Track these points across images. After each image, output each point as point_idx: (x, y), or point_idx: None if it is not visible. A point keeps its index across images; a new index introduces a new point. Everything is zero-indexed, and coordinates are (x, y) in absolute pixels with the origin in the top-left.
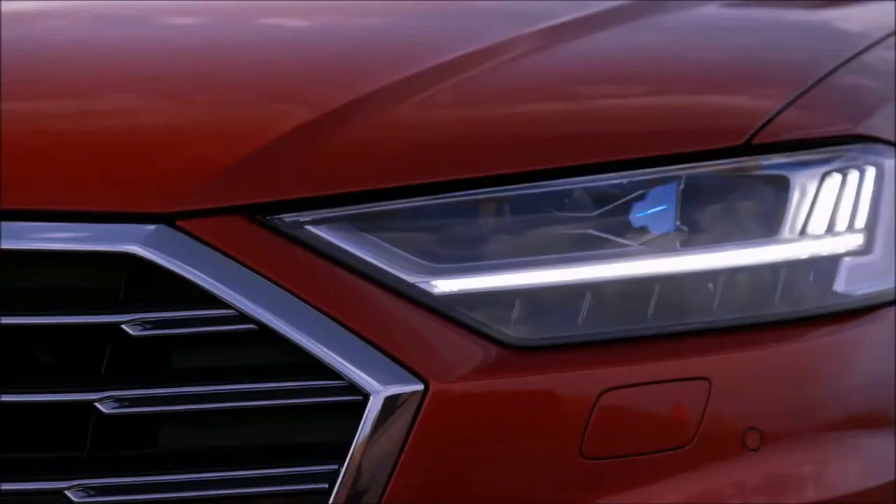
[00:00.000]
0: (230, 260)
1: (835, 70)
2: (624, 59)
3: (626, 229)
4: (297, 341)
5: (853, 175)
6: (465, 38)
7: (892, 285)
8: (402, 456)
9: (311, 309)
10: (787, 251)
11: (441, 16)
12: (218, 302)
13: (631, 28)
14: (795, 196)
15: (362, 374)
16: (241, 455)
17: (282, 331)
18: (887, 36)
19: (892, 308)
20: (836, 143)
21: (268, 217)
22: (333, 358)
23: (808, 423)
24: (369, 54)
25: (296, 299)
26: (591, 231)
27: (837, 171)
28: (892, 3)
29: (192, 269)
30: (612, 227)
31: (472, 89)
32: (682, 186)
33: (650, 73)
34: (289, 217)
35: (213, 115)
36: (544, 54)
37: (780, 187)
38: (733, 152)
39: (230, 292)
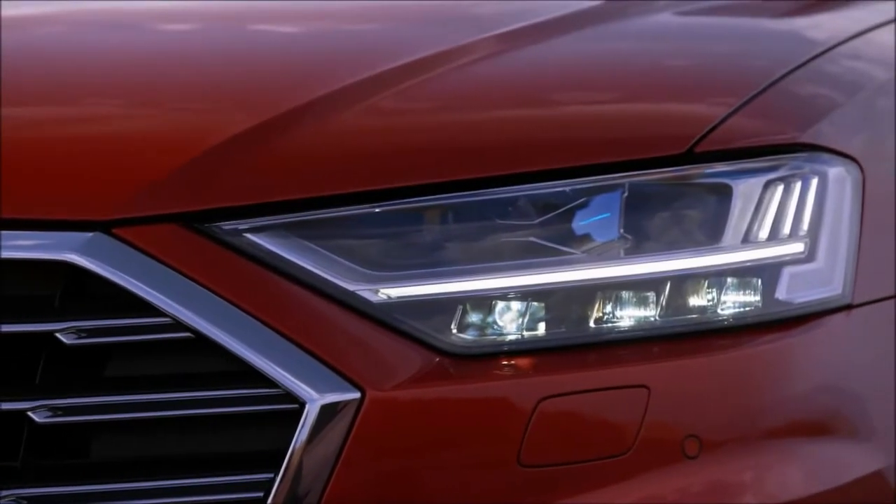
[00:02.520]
0: (167, 268)
1: (783, 78)
2: (571, 66)
3: (568, 237)
4: (233, 349)
5: (796, 183)
6: (413, 44)
7: (836, 293)
8: (339, 464)
9: (247, 317)
10: (729, 259)
11: (391, 22)
12: (154, 310)
13: (581, 36)
14: (738, 204)
15: (298, 383)
16: (176, 464)
17: (217, 339)
18: (841, 43)
19: (835, 315)
20: (781, 152)
21: (206, 225)
22: (269, 366)
23: (749, 431)
24: (316, 61)
25: (232, 307)
26: (533, 239)
27: (781, 179)
28: (856, 10)
29: (127, 278)
30: (554, 234)
31: (416, 96)
32: (625, 194)
33: (597, 81)
34: (227, 225)
35: (152, 122)
36: (491, 61)
37: (723, 195)
38: (676, 160)
39: (166, 300)
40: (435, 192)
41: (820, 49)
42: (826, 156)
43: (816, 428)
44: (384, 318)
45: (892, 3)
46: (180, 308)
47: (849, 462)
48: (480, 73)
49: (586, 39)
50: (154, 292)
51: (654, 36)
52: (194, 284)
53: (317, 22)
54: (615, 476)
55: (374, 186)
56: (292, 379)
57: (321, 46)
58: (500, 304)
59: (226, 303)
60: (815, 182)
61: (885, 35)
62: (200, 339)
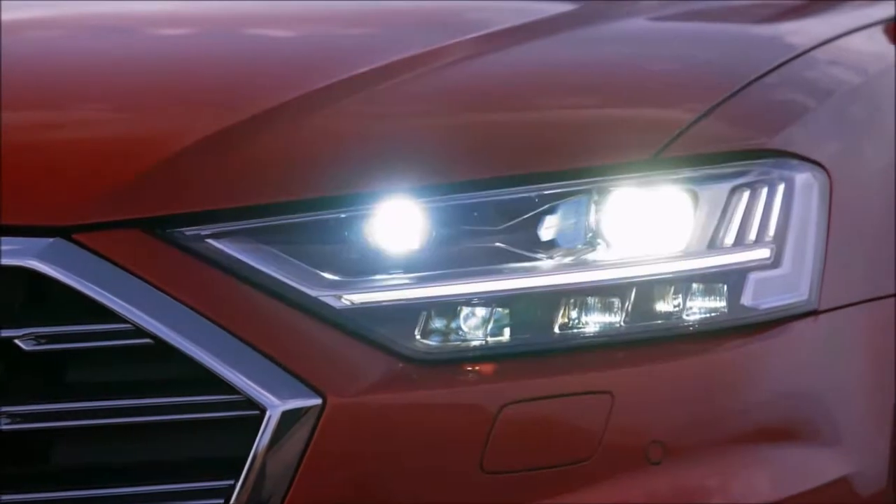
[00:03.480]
0: (127, 274)
1: (752, 83)
2: (542, 72)
3: (534, 243)
4: (194, 356)
5: (763, 189)
6: (382, 49)
7: (802, 299)
8: (300, 471)
9: (208, 323)
10: (695, 265)
11: (365, 24)
12: (114, 316)
13: (554, 41)
14: (704, 210)
15: (259, 389)
16: (136, 471)
17: (178, 345)
18: (813, 48)
19: (801, 321)
20: (748, 158)
21: (168, 230)
22: (230, 373)
23: (714, 436)
24: (286, 65)
25: (193, 313)
26: (499, 245)
27: (747, 185)
28: (834, 15)
29: (88, 283)
30: (520, 240)
31: (385, 101)
32: (592, 200)
33: (567, 87)
34: (189, 230)
35: (115, 127)
36: (462, 66)
37: (689, 201)
38: (643, 166)
39: (126, 306)
40: (400, 197)
41: (791, 54)
42: (793, 161)
43: (782, 433)
44: (347, 325)
45: (872, 9)
46: (141, 314)
47: (815, 468)
48: (451, 78)
49: (558, 45)
50: (114, 298)
51: (626, 41)
52: (155, 290)
53: (290, 25)
54: (578, 482)
55: (338, 192)
56: (253, 385)
57: (293, 50)
58: (465, 310)
59: (187, 309)
60: (781, 188)
61: (858, 40)
62: (161, 346)
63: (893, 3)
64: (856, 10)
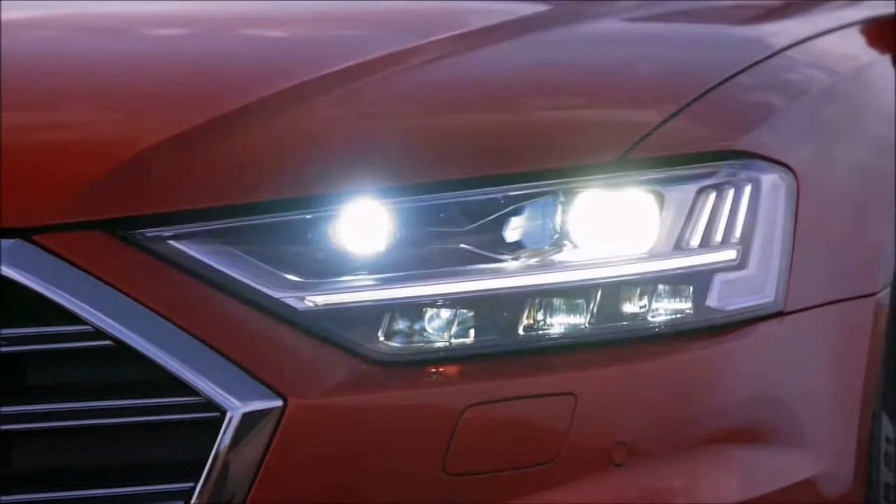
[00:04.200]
0: (88, 275)
1: (721, 84)
2: (511, 72)
3: (500, 244)
4: (154, 358)
5: (729, 191)
6: (350, 50)
7: (768, 300)
8: (260, 473)
9: (169, 325)
10: (661, 266)
11: (329, 27)
12: (74, 318)
13: (522, 42)
14: (670, 211)
15: (219, 391)
16: (96, 474)
17: (138, 347)
18: (784, 49)
19: (767, 323)
20: (715, 159)
21: (129, 232)
22: (191, 375)
23: (679, 438)
24: (253, 65)
25: (154, 315)
26: (464, 246)
27: (714, 186)
28: (811, 16)
29: (47, 285)
30: (485, 242)
31: (350, 102)
32: (558, 201)
33: (536, 87)
34: (151, 232)
35: (77, 129)
36: (428, 68)
37: (655, 202)
38: (609, 167)
39: (86, 308)
40: (364, 198)
41: (762, 55)
42: (760, 163)
43: (748, 435)
44: (310, 326)
45: (848, 11)
46: (101, 316)
47: (781, 469)
48: (418, 79)
49: (528, 45)
50: (74, 300)
51: (598, 42)
52: (116, 292)
53: (256, 26)
54: (541, 484)
55: (303, 193)
56: (213, 387)
57: (258, 50)
58: (429, 312)
59: (148, 311)
60: (748, 189)
61: (831, 41)
62: (122, 348)
63: (870, 4)
64: (832, 12)
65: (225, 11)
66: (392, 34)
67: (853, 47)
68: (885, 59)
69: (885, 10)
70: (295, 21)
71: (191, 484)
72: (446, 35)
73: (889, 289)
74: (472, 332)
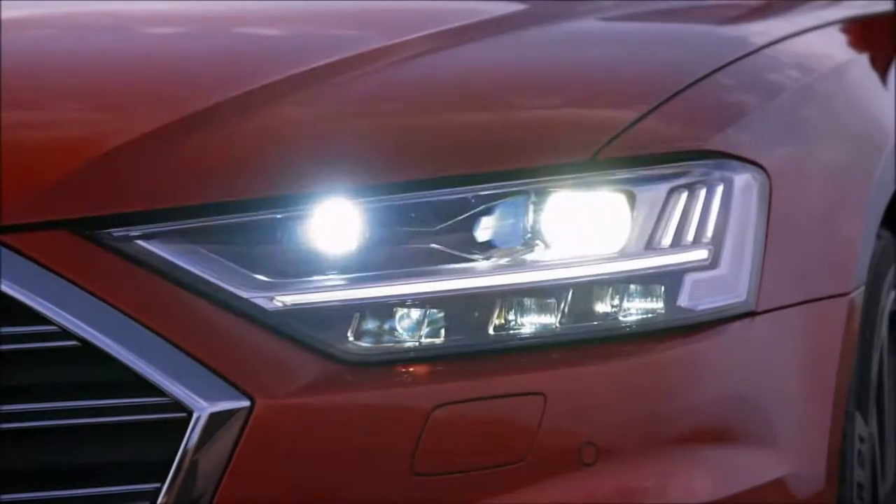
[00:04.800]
0: (54, 275)
1: (695, 83)
2: (485, 72)
3: (471, 244)
4: (121, 358)
5: (701, 191)
6: (323, 49)
7: (739, 300)
8: (227, 473)
9: (136, 325)
10: (632, 266)
11: (301, 26)
12: (40, 318)
13: (497, 41)
14: (642, 211)
15: (186, 391)
16: (63, 474)
17: (105, 347)
18: (760, 48)
19: (739, 322)
20: (687, 159)
21: (96, 231)
22: (157, 375)
23: (650, 437)
24: (225, 65)
25: (121, 315)
26: (434, 246)
27: (685, 186)
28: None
29: (12, 285)
30: (456, 241)
31: (322, 101)
32: (530, 201)
33: (509, 87)
34: (118, 231)
35: (43, 127)
36: (401, 67)
37: (627, 202)
38: (581, 167)
39: (52, 308)
40: (334, 198)
41: (738, 55)
42: (733, 163)
43: (720, 434)
44: (279, 326)
45: (828, 10)
46: (67, 316)
47: (753, 468)
48: (391, 78)
49: (504, 45)
50: (40, 300)
51: (574, 41)
52: (83, 292)
53: (229, 25)
54: (510, 484)
55: (272, 193)
56: (180, 387)
57: (230, 50)
58: (399, 312)
59: (115, 311)
60: (720, 189)
61: (808, 41)
62: (88, 348)
63: (849, 4)
64: (811, 12)
65: (197, 10)
66: (366, 33)
67: (831, 47)
68: (864, 59)
69: (864, 9)
70: (267, 20)
71: (157, 484)
72: (420, 34)
73: (863, 288)
74: (442, 332)
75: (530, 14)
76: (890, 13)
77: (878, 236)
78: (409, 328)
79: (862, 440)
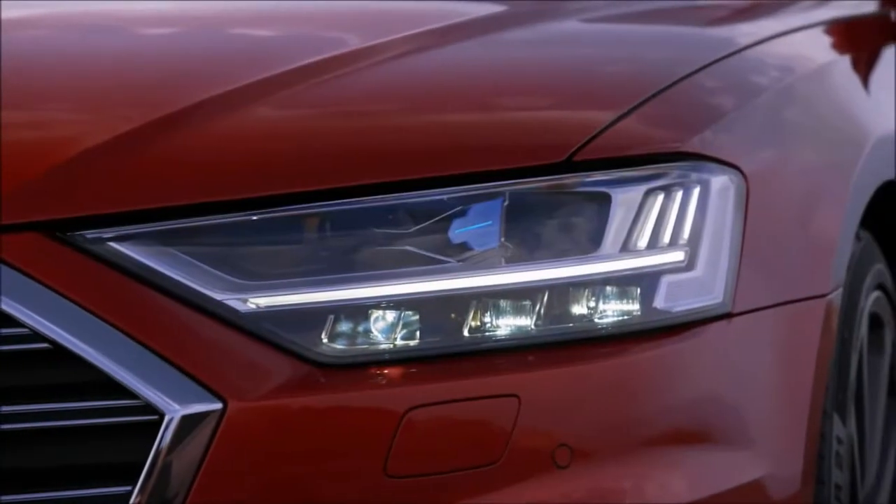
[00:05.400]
0: (25, 277)
1: (673, 85)
2: (463, 73)
3: (446, 246)
4: (92, 360)
5: (678, 192)
6: (296, 51)
7: (716, 301)
8: (199, 476)
9: (108, 327)
10: (608, 267)
11: (276, 28)
12: (11, 320)
13: (477, 43)
14: (617, 213)
15: (158, 394)
16: (34, 477)
17: (76, 350)
18: (740, 50)
19: (715, 324)
20: (664, 160)
21: (68, 233)
22: (129, 377)
23: (625, 439)
24: (200, 65)
25: (93, 318)
26: (409, 248)
27: (662, 188)
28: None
29: None
30: (431, 243)
31: (297, 102)
32: (506, 203)
33: (487, 88)
34: (91, 233)
35: (14, 129)
36: (377, 69)
37: (602, 204)
38: (555, 169)
39: (23, 310)
40: (308, 200)
41: (719, 55)
42: (710, 164)
43: (696, 436)
44: (252, 328)
45: (818, 11)
46: (38, 318)
47: (729, 470)
48: (367, 80)
49: (483, 46)
50: (11, 302)
51: (555, 43)
52: (54, 294)
53: (201, 27)
54: (483, 486)
55: (247, 195)
56: (152, 390)
57: (206, 52)
58: (373, 314)
59: (86, 313)
60: (696, 191)
61: (788, 43)
62: (59, 351)
63: (836, 5)
64: (797, 14)
65: (172, 11)
66: (342, 35)
67: (815, 48)
68: (846, 59)
69: (849, 11)
70: (246, 21)
71: (128, 487)
72: (399, 36)
73: (841, 290)
74: (416, 333)
75: (512, 15)
76: (874, 14)
77: (858, 237)
78: (383, 330)
79: (840, 441)
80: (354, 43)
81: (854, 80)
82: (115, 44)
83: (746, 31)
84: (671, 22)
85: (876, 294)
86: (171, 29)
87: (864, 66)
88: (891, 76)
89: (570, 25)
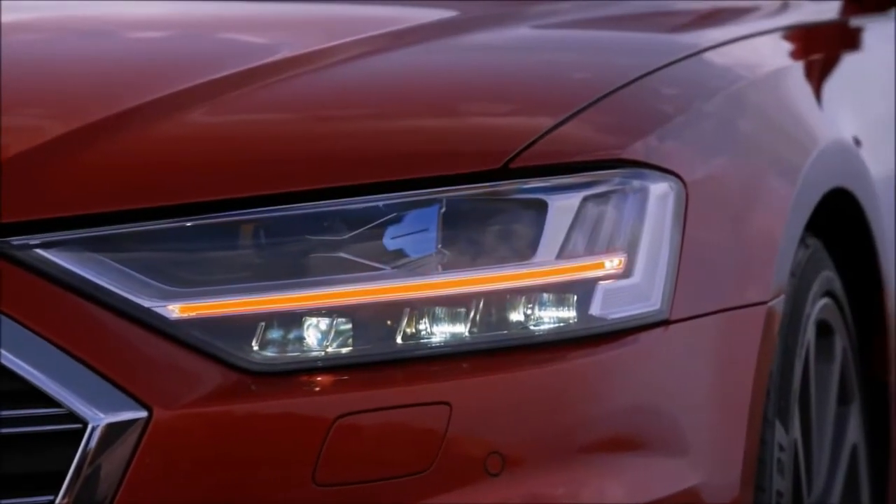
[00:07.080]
0: None
1: (614, 92)
2: (403, 79)
3: (380, 253)
4: (14, 368)
5: (615, 199)
6: (234, 57)
7: (653, 308)
8: (123, 485)
9: (31, 335)
10: (544, 274)
11: (218, 32)
12: None
13: (420, 49)
14: (553, 220)
15: (82, 402)
16: None
17: None
18: (686, 57)
19: (652, 331)
20: (602, 167)
21: None
22: (51, 385)
23: (559, 447)
24: (128, 73)
25: (16, 325)
26: (343, 255)
27: (599, 195)
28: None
29: None
30: (366, 250)
31: (232, 108)
32: (443, 209)
33: (426, 95)
34: (17, 240)
35: None
36: (317, 74)
37: (538, 211)
38: (492, 175)
39: None
40: (241, 206)
41: (666, 61)
42: (648, 172)
43: (632, 443)
44: (181, 336)
45: (776, 18)
46: None
47: (666, 477)
48: (302, 86)
49: (425, 52)
50: None
51: (501, 49)
52: None
53: (146, 30)
54: (413, 494)
55: (178, 201)
56: (76, 398)
57: (142, 57)
58: (305, 321)
59: (10, 320)
60: (634, 198)
61: (739, 50)
62: None
63: (796, 13)
64: (756, 21)
65: (112, 16)
66: (281, 41)
67: (769, 54)
68: (799, 65)
69: (810, 17)
70: (188, 25)
71: (50, 497)
72: (342, 41)
73: (784, 297)
74: (349, 341)
75: (467, 20)
76: (832, 21)
77: (805, 244)
78: (315, 337)
79: (782, 448)
80: (287, 51)
81: (807, 86)
82: (45, 49)
83: (702, 37)
84: (627, 28)
85: (824, 301)
86: (103, 34)
87: (819, 73)
88: (845, 83)
89: (523, 31)
